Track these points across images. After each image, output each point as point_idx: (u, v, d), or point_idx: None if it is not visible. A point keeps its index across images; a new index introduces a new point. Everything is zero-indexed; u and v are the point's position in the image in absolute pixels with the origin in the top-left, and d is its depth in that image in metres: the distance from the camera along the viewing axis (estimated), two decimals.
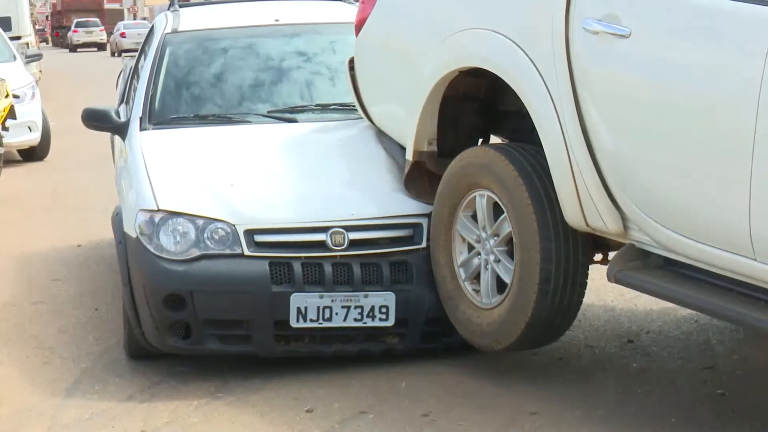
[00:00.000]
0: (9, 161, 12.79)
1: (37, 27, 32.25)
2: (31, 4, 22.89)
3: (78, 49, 58.47)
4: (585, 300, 5.29)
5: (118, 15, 73.29)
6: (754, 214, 4.13)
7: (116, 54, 51.60)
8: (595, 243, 5.21)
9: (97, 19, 62.45)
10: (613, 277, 4.95)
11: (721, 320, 5.36)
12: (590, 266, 5.26)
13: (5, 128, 11.70)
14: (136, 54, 8.25)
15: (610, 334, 6.29)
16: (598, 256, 5.39)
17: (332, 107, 6.91)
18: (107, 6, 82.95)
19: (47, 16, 71.74)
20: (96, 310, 7.04)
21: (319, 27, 7.57)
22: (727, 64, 4.24)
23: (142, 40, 8.12)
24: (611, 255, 5.16)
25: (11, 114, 11.80)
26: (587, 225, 4.96)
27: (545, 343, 5.48)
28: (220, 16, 8.18)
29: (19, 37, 21.03)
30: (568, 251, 5.08)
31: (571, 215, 4.99)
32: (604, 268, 5.12)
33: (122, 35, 53.87)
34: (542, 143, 5.03)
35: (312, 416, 5.17)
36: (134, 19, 65.84)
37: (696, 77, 4.38)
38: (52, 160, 14.19)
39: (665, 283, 4.72)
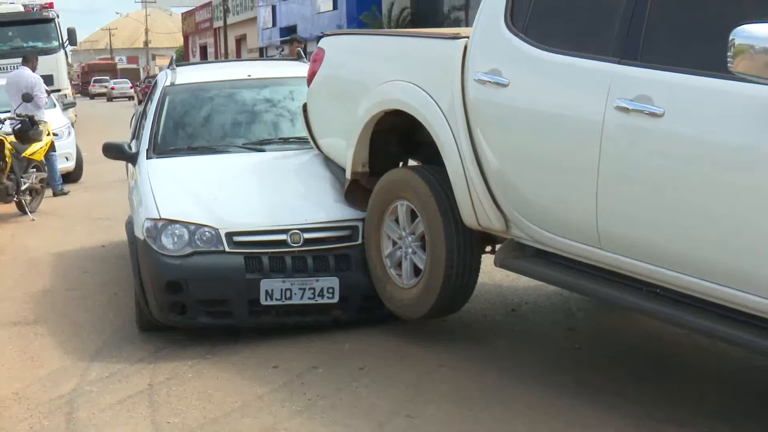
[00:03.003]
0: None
1: (73, 82, 32.12)
2: (69, 65, 22.60)
3: (95, 97, 59.86)
4: (479, 280, 5.30)
5: (135, 73, 72.76)
6: (600, 215, 4.16)
7: (110, 99, 54.91)
8: (486, 238, 5.21)
9: (107, 77, 63.81)
10: (498, 263, 4.98)
11: (578, 294, 5.38)
12: (482, 255, 5.28)
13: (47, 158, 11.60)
14: (127, 99, 8.14)
15: (498, 306, 6.30)
16: (489, 248, 5.38)
17: (291, 140, 6.84)
18: (127, 66, 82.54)
19: (79, 74, 71.79)
20: (115, 294, 6.93)
21: (280, 80, 7.51)
22: (578, 105, 4.26)
23: (126, 92, 7.94)
24: (497, 247, 5.16)
25: (52, 147, 11.72)
26: (479, 225, 4.97)
27: (450, 313, 5.47)
28: (206, 73, 8.12)
29: (59, 90, 20.74)
30: (466, 245, 5.09)
31: (467, 218, 4.99)
32: (492, 256, 5.13)
33: (112, 88, 57.31)
34: (446, 165, 5.02)
35: (277, 371, 5.13)
36: (148, 75, 65.76)
37: (557, 116, 4.39)
38: (84, 182, 13.97)
39: (537, 267, 4.74)
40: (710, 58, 3.66)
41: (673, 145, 3.82)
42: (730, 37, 3.41)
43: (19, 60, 13.85)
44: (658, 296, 4.07)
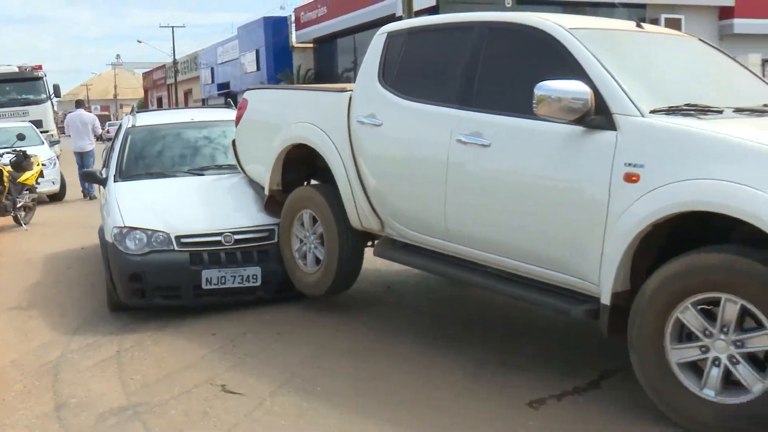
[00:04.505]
0: (41, 202, 12.07)
1: (58, 125, 30.59)
2: (55, 113, 21.68)
3: None
4: (363, 266, 5.30)
5: (107, 118, 70.28)
6: (448, 217, 4.23)
7: None
8: (367, 236, 5.23)
9: None
10: (377, 254, 4.99)
11: (435, 275, 5.45)
12: (365, 248, 5.29)
13: (38, 183, 11.12)
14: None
15: (378, 284, 6.31)
16: (369, 243, 5.40)
17: (224, 167, 6.71)
18: (101, 113, 79.69)
19: (62, 120, 68.79)
20: (92, 284, 6.65)
21: (216, 122, 7.35)
22: (431, 139, 4.32)
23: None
24: (376, 242, 5.18)
25: (41, 175, 11.25)
26: (362, 226, 4.98)
27: (343, 290, 5.44)
28: (160, 117, 7.88)
29: (47, 131, 19.84)
30: (353, 241, 5.10)
31: (353, 221, 5.00)
32: (372, 249, 5.13)
33: None
34: (337, 184, 5.02)
35: (215, 337, 5.02)
36: (116, 120, 63.36)
37: (417, 147, 4.44)
38: (67, 200, 13.39)
39: (405, 256, 4.77)
40: (522, 104, 3.76)
41: (497, 167, 3.92)
42: (534, 90, 3.53)
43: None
44: (489, 274, 4.15)
